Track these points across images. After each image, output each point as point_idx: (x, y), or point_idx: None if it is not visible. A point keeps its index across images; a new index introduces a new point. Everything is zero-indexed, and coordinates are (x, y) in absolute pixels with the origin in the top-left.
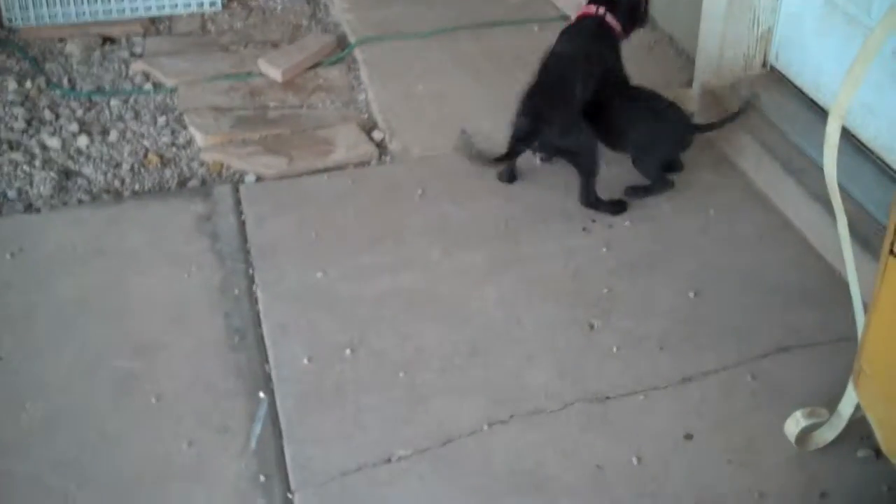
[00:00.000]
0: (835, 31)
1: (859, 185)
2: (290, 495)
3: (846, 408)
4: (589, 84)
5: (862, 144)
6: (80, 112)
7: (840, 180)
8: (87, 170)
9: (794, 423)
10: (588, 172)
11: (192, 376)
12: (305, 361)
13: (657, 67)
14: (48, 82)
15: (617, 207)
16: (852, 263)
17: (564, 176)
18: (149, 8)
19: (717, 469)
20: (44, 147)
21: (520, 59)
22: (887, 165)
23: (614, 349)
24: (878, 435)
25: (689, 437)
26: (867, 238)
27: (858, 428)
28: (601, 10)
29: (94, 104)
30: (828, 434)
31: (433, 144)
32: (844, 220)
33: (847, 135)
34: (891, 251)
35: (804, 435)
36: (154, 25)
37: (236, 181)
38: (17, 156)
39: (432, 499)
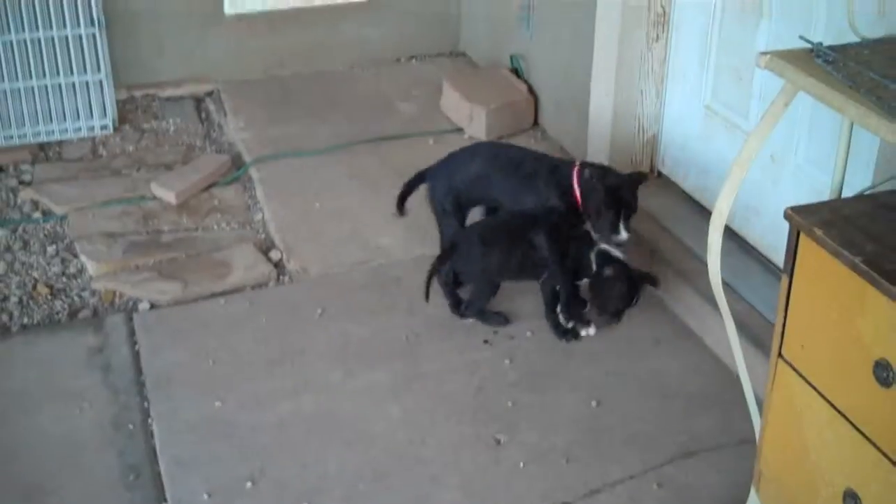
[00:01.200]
0: (716, 136)
1: (748, 285)
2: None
3: None
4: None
5: (749, 245)
6: None
7: (730, 281)
8: None
9: None
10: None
11: None
12: (205, 497)
13: None
14: None
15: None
16: (744, 367)
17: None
18: (37, 134)
19: None
20: None
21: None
22: (773, 264)
23: (521, 465)
24: None
25: None
26: (758, 337)
27: None
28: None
29: None
30: None
31: (332, 262)
32: (734, 327)
33: (734, 236)
34: (779, 354)
35: None
36: (43, 151)
37: (130, 309)
38: None
39: None
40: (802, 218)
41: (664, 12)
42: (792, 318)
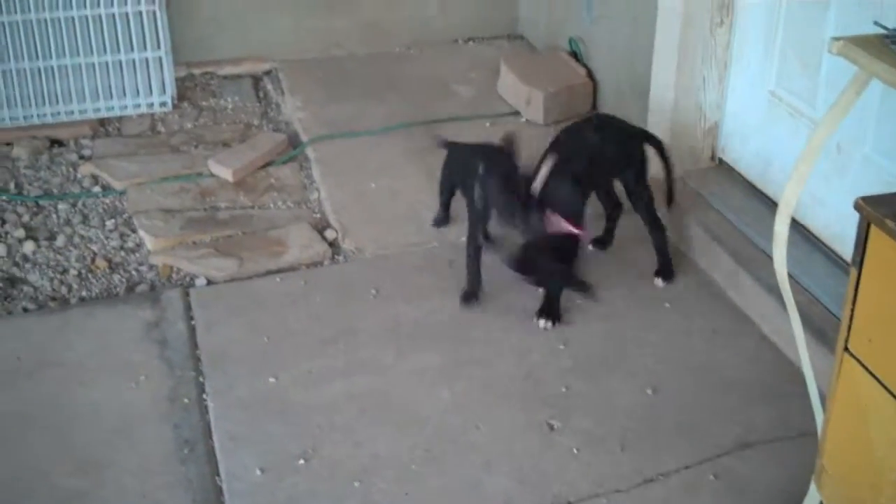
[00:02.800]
0: (780, 124)
1: (811, 276)
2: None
3: None
4: None
5: (812, 235)
6: (26, 217)
7: (792, 272)
8: (33, 276)
9: None
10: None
11: (140, 493)
12: (258, 473)
13: None
14: None
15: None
16: (808, 361)
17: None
18: (98, 110)
19: None
20: None
21: None
22: (838, 256)
23: (574, 451)
24: None
25: None
26: (822, 330)
27: None
28: None
29: (41, 208)
30: None
31: (386, 243)
32: (798, 320)
33: (797, 226)
34: (845, 348)
35: None
36: (103, 127)
37: (186, 285)
38: None
39: None
40: (873, 209)
41: None
42: (860, 312)
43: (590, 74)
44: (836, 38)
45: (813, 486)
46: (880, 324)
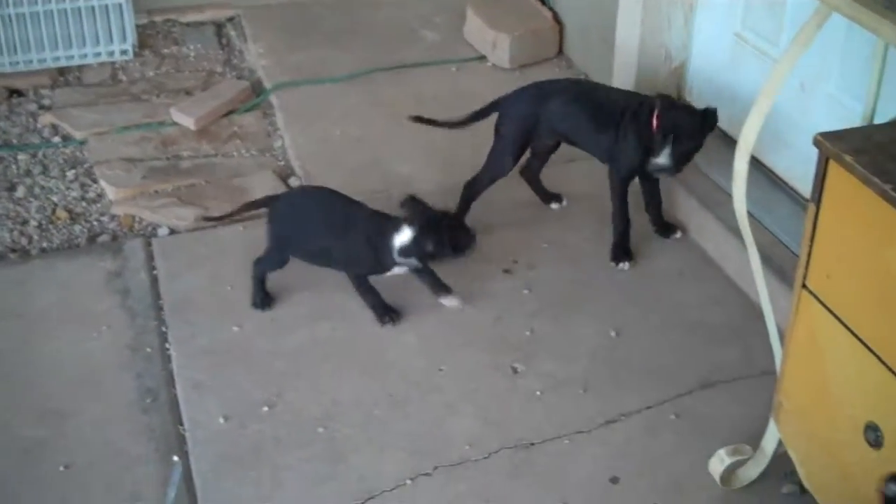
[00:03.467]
0: (745, 65)
1: (774, 216)
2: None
3: (769, 444)
4: None
5: (776, 176)
6: None
7: (755, 212)
8: None
9: (719, 462)
10: None
11: (102, 442)
12: (221, 421)
13: None
14: None
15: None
16: (767, 297)
17: (483, 218)
18: (57, 59)
19: None
20: None
21: (438, 100)
22: (801, 196)
23: (538, 393)
24: (801, 471)
25: (614, 480)
26: (783, 269)
27: (783, 464)
28: None
29: (0, 159)
30: (752, 471)
31: (352, 190)
32: (757, 257)
33: (760, 167)
34: (803, 285)
35: (729, 473)
36: (63, 76)
37: (149, 235)
38: None
39: None
40: (832, 144)
41: None
42: (818, 248)
43: (556, 18)
44: None
45: (772, 423)
46: (838, 260)
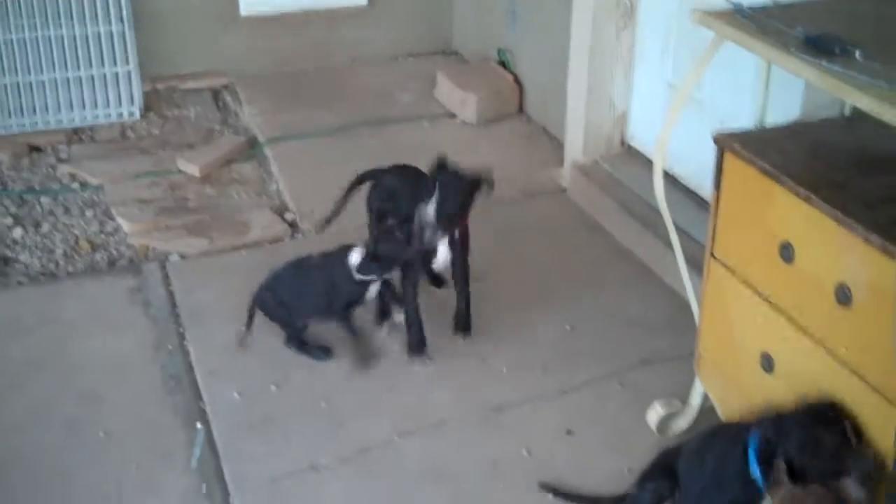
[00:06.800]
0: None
1: (702, 231)
2: (230, 500)
3: (695, 398)
4: None
5: (704, 201)
6: (13, 208)
7: (685, 227)
8: (24, 256)
9: (654, 413)
10: None
11: (134, 415)
12: (236, 396)
13: (534, 153)
14: None
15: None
16: (686, 270)
17: None
18: (72, 119)
19: (594, 455)
20: None
21: (413, 148)
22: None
23: (504, 370)
24: (719, 410)
25: (570, 432)
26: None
27: (707, 418)
28: None
29: (25, 202)
30: (682, 422)
31: (339, 224)
32: (675, 236)
33: (692, 195)
34: (711, 254)
35: (664, 425)
36: (77, 135)
37: (163, 260)
38: None
39: (353, 497)
40: (726, 139)
41: (631, 5)
42: (720, 223)
43: (516, 79)
44: (696, 11)
45: (697, 381)
46: (734, 230)
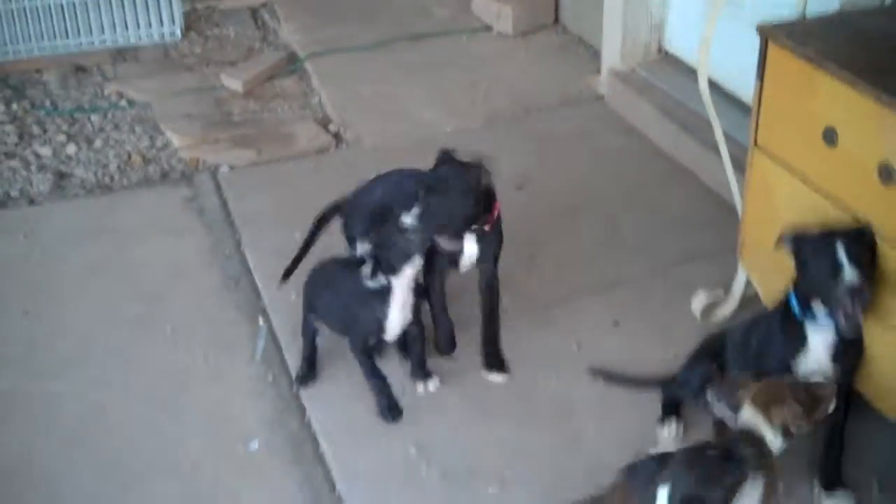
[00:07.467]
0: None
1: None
2: (293, 389)
3: (738, 286)
4: None
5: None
6: (65, 126)
7: (730, 131)
8: (79, 171)
9: (699, 301)
10: None
11: (198, 312)
12: (294, 297)
13: (570, 62)
14: (32, 105)
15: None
16: (728, 156)
17: None
18: (115, 40)
19: (641, 343)
20: (37, 155)
21: (451, 63)
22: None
23: (550, 268)
24: (760, 292)
25: (616, 324)
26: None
27: (750, 305)
28: None
29: (76, 120)
30: (726, 309)
31: (382, 134)
32: (720, 130)
33: (735, 100)
34: (755, 143)
35: (707, 312)
36: (121, 55)
37: (213, 171)
38: (14, 163)
39: None
40: (769, 28)
41: None
42: (763, 112)
43: None
44: None
45: (740, 269)
46: (778, 118)
